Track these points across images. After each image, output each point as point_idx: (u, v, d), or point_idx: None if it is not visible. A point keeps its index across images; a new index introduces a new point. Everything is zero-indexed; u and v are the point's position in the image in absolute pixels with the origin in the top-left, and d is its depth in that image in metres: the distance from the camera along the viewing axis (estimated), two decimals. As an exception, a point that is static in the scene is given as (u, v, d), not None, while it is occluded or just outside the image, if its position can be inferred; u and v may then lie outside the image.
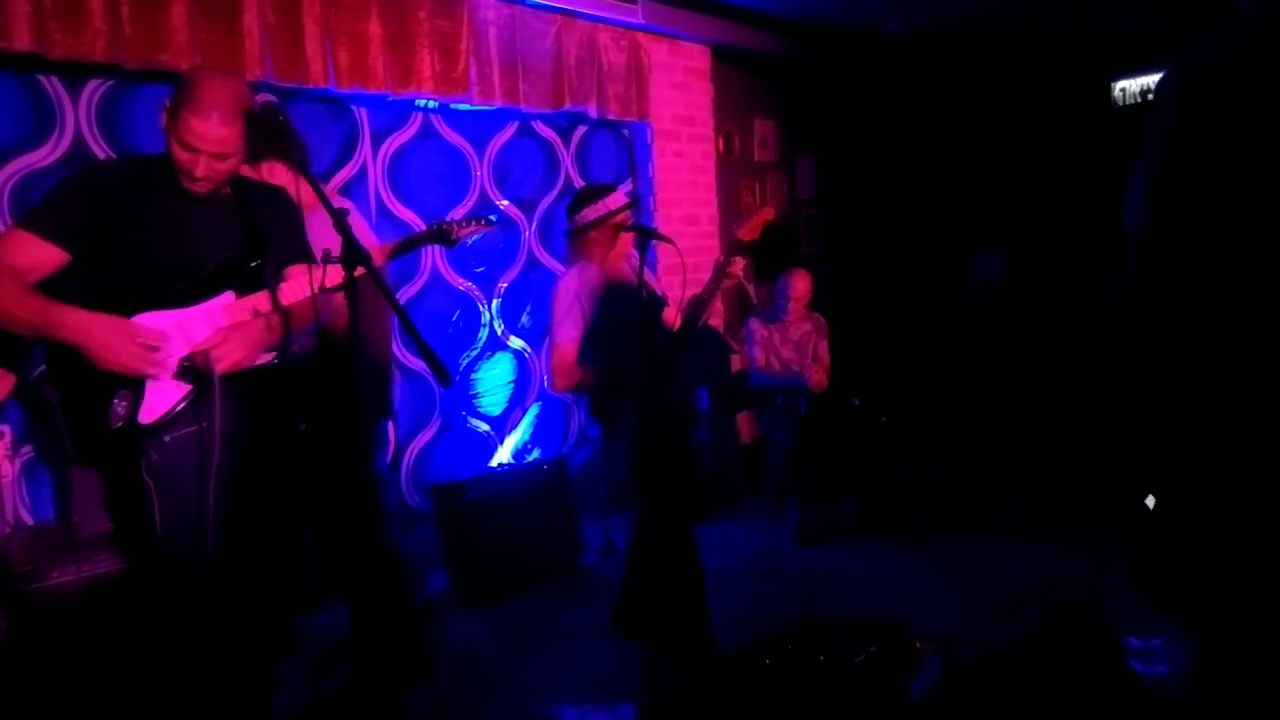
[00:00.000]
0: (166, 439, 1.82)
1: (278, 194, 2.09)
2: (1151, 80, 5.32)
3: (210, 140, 1.77)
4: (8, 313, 1.72)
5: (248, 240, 1.94)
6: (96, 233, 1.79)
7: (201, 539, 1.83)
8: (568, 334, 2.56)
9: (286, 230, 2.04)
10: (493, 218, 2.22)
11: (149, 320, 1.81)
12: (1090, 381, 4.38)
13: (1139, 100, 5.39)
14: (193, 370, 1.83)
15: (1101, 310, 4.10)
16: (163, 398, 1.82)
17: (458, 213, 3.77)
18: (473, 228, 2.10)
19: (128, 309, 1.80)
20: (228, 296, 1.89)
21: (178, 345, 1.83)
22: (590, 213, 2.61)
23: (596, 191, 2.66)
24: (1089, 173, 5.46)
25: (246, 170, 2.07)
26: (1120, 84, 5.46)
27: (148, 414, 1.80)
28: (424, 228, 2.12)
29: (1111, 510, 3.88)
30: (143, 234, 1.83)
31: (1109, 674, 2.09)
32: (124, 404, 1.78)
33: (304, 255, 1.98)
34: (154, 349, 1.78)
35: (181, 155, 1.79)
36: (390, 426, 2.70)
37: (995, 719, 1.97)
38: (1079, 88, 5.62)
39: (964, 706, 2.01)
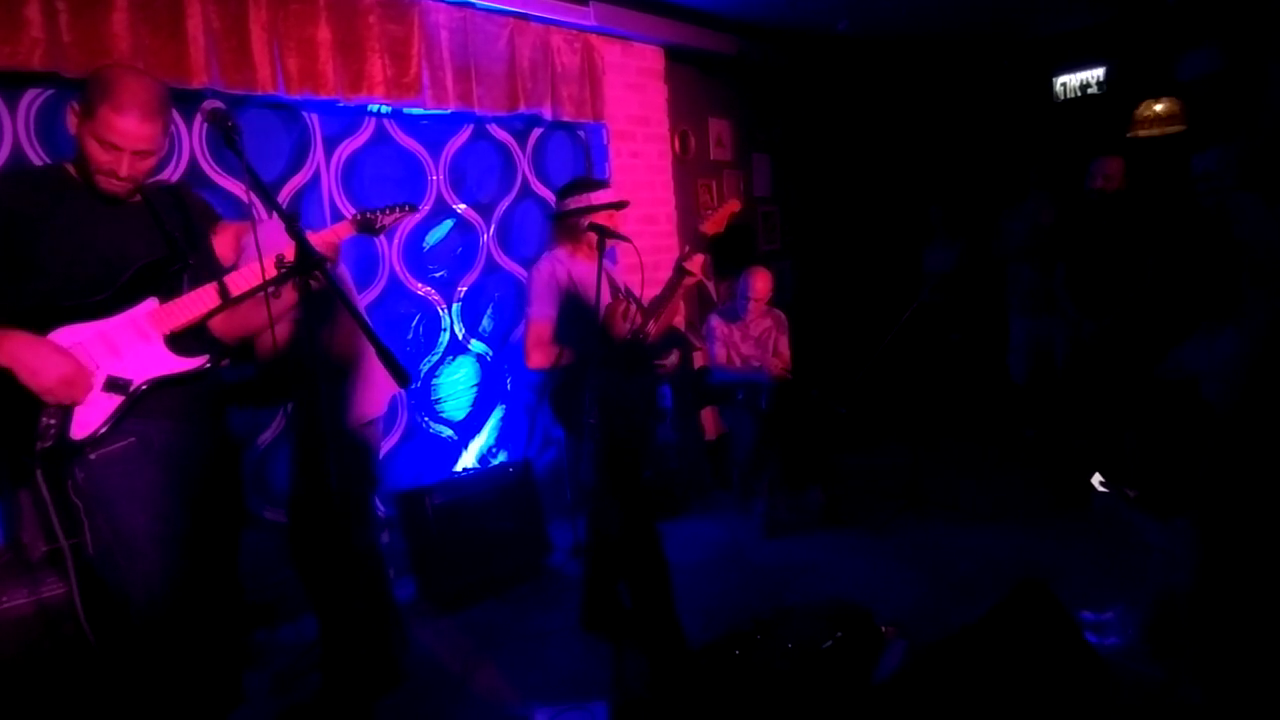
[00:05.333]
0: (93, 457, 1.76)
1: (178, 191, 2.05)
2: (1089, 74, 5.50)
3: (133, 137, 1.73)
4: None
5: (167, 243, 1.90)
6: (9, 252, 1.72)
7: (133, 556, 1.78)
8: (544, 312, 2.58)
9: (197, 234, 2.00)
10: (414, 204, 2.22)
11: (68, 334, 1.76)
12: (1041, 367, 4.51)
13: (1079, 94, 5.57)
14: (119, 382, 1.78)
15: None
16: (93, 412, 1.77)
17: (415, 217, 3.75)
18: (396, 215, 2.11)
19: (44, 325, 1.74)
20: (150, 303, 1.85)
21: (102, 357, 1.78)
22: (573, 203, 2.64)
23: (587, 184, 2.69)
24: (1034, 165, 5.62)
25: None
26: (1061, 79, 5.63)
27: (79, 429, 1.75)
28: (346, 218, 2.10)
29: (1065, 492, 4.00)
30: (54, 248, 1.76)
31: (1064, 647, 2.17)
32: (53, 420, 1.72)
33: (213, 264, 2.00)
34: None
35: (101, 156, 1.74)
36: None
37: (959, 695, 2.03)
38: (1022, 84, 5.78)
39: (928, 684, 2.07)
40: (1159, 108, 4.90)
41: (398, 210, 2.10)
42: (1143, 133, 4.93)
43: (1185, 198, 4.50)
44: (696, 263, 2.55)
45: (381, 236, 3.05)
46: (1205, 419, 2.32)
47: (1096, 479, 2.43)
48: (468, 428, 4.02)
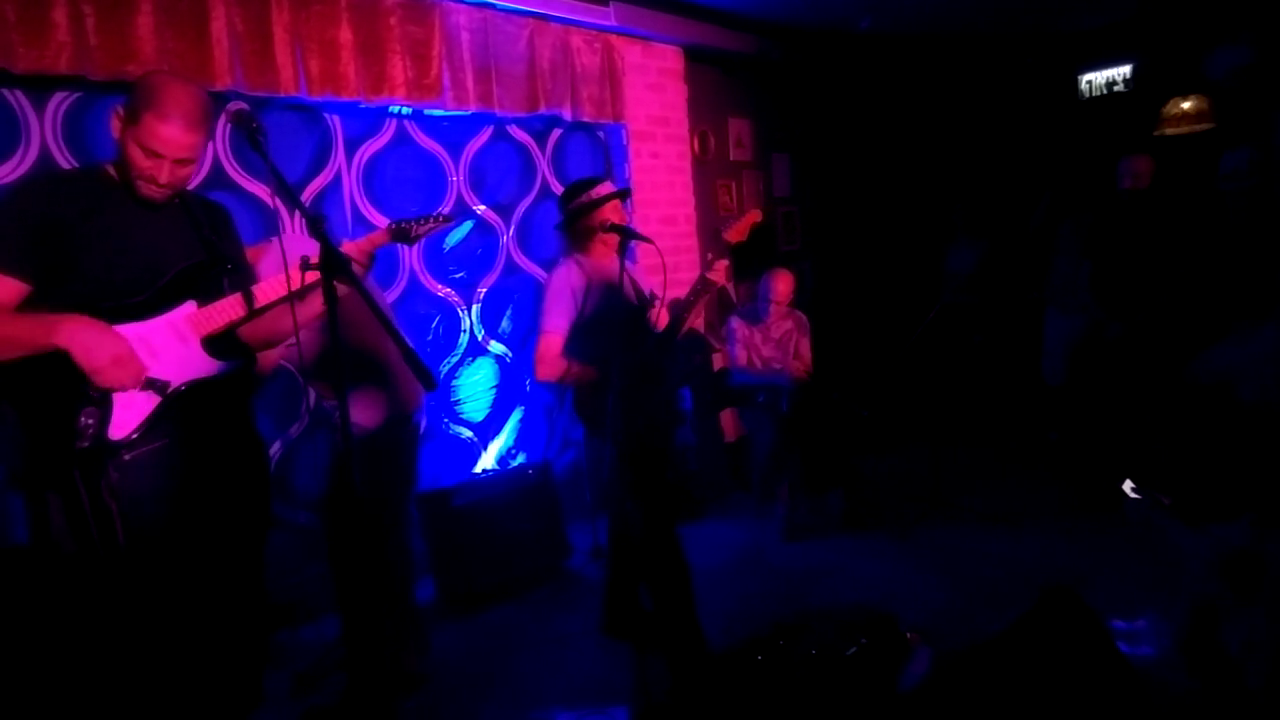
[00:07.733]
0: (127, 458, 1.76)
1: (218, 209, 2.07)
2: (1115, 72, 5.42)
3: (175, 145, 1.74)
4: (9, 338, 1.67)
5: (205, 248, 1.91)
6: (50, 256, 1.73)
7: (165, 556, 1.79)
8: (556, 324, 2.56)
9: (231, 246, 2.02)
10: (448, 213, 2.21)
11: None
12: (1068, 369, 4.44)
13: (1105, 92, 5.49)
14: (157, 383, 1.79)
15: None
16: (131, 411, 1.77)
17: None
18: (430, 224, 2.10)
19: None
20: (189, 307, 1.86)
21: (141, 359, 1.78)
22: (575, 203, 2.63)
23: (586, 183, 2.68)
24: (1058, 163, 5.55)
25: None
26: (1086, 76, 5.54)
27: (117, 429, 1.75)
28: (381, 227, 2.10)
29: (1092, 496, 3.93)
30: (96, 250, 1.77)
31: (1096, 656, 2.12)
32: (91, 420, 1.73)
33: (248, 270, 2.01)
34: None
35: (143, 161, 1.75)
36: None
37: (986, 705, 1.99)
38: (1046, 81, 5.70)
39: (955, 694, 2.03)
40: (1187, 105, 4.82)
41: (432, 220, 2.10)
42: (1170, 131, 4.84)
43: (1214, 196, 4.42)
44: (719, 269, 2.56)
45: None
46: (1243, 422, 2.27)
47: (1128, 485, 2.39)
48: (487, 429, 4.02)
